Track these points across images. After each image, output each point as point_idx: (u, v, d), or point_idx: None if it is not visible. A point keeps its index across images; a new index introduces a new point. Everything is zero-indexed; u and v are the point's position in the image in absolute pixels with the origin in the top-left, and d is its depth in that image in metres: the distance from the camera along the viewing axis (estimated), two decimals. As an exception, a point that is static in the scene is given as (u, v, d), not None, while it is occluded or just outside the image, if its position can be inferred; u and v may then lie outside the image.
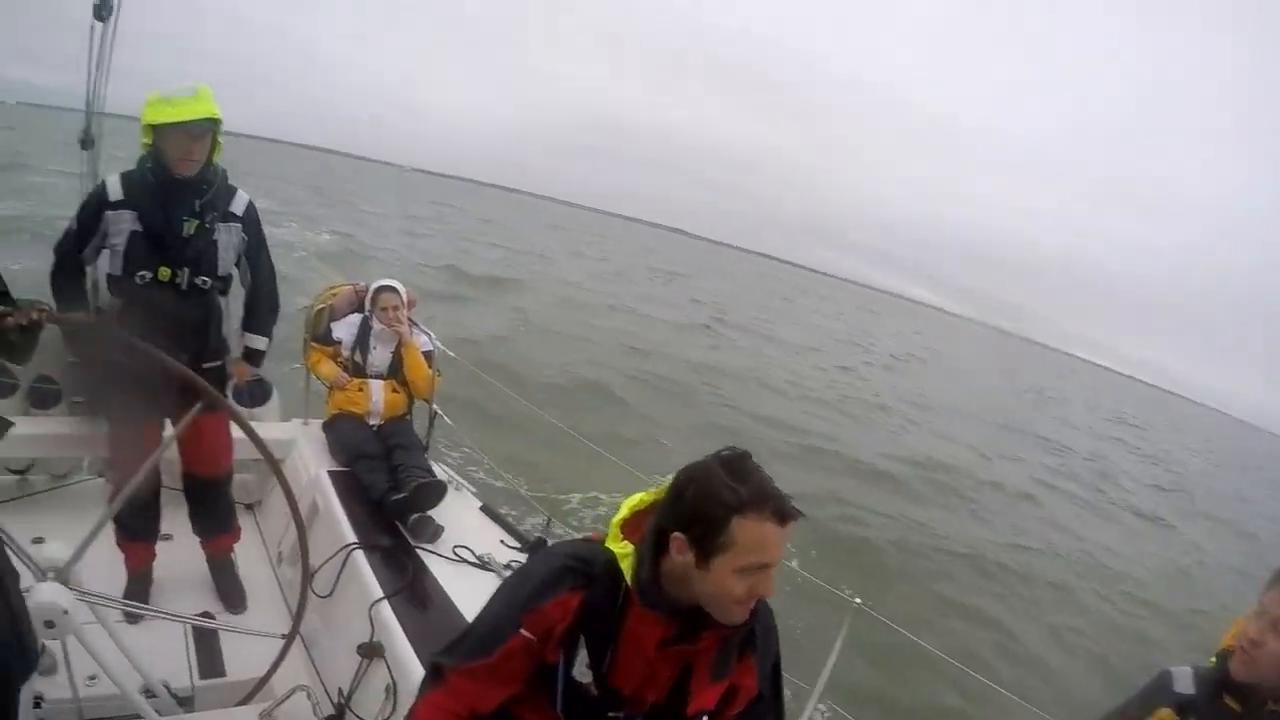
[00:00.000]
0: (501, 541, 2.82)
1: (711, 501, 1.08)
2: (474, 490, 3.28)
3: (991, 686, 2.29)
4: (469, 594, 2.33)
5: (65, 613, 1.44)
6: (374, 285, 3.32)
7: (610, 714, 1.24)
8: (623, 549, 1.19)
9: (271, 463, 1.80)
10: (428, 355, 3.31)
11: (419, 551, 2.57)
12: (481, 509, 3.10)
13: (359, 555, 2.43)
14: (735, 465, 1.11)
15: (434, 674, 1.30)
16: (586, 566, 1.23)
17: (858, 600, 2.08)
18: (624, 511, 1.24)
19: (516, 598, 1.24)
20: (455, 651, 1.28)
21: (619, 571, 1.19)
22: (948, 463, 12.71)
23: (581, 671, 1.22)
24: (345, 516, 2.64)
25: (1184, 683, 1.76)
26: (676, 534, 1.12)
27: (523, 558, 2.70)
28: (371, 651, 2.11)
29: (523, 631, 1.20)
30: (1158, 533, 13.66)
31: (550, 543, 2.78)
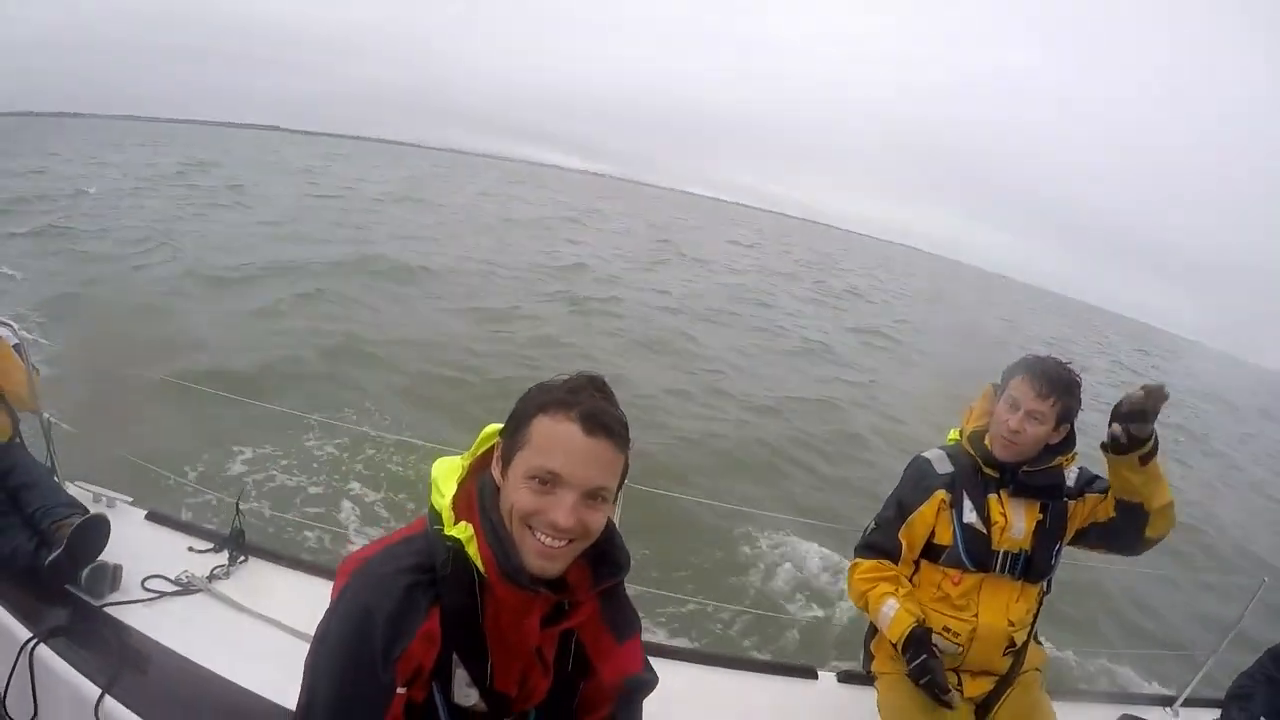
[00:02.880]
0: (190, 549, 2.51)
1: (524, 401, 1.01)
2: (129, 499, 2.79)
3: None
4: (191, 635, 2.07)
5: None
6: None
7: None
8: (466, 532, 1.00)
9: None
10: (16, 351, 2.57)
11: (108, 610, 2.14)
12: (148, 518, 2.70)
13: (44, 652, 1.94)
14: (574, 380, 1.01)
15: None
16: (430, 573, 1.00)
17: None
18: (448, 486, 1.06)
19: (369, 653, 0.94)
20: None
21: (468, 560, 1.00)
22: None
23: (464, 694, 1.04)
24: (1, 609, 2.07)
25: (942, 465, 1.94)
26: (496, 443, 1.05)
27: (223, 559, 2.46)
28: None
29: (399, 691, 0.97)
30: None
31: (245, 532, 2.52)
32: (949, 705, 1.75)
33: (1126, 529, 1.83)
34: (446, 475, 1.07)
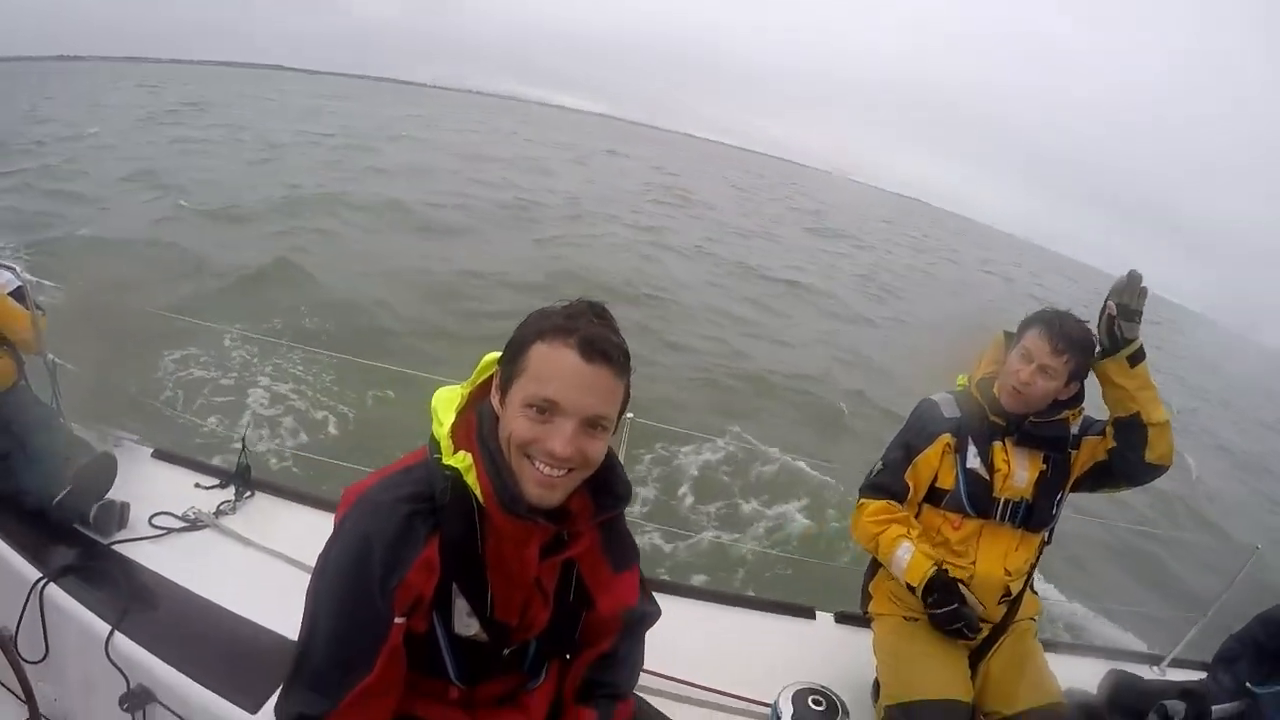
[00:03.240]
0: (197, 485, 2.53)
1: (522, 328, 0.98)
2: (135, 438, 2.81)
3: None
4: (199, 570, 2.09)
5: None
6: None
7: (505, 652, 1.09)
8: (464, 461, 0.98)
9: None
10: (18, 296, 2.52)
11: (117, 548, 2.16)
12: (154, 455, 2.72)
13: (54, 591, 1.94)
14: (573, 306, 0.98)
15: None
16: (430, 502, 1.00)
17: None
18: (447, 415, 1.04)
19: (366, 581, 0.94)
20: (317, 686, 0.97)
21: (467, 489, 0.99)
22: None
23: (465, 624, 1.03)
24: (10, 549, 2.07)
25: (949, 409, 1.92)
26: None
27: (229, 494, 2.49)
28: (137, 700, 1.72)
29: (398, 620, 0.97)
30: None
31: (251, 468, 2.55)
32: (973, 637, 1.81)
33: (1127, 452, 1.81)
34: (446, 404, 1.05)
